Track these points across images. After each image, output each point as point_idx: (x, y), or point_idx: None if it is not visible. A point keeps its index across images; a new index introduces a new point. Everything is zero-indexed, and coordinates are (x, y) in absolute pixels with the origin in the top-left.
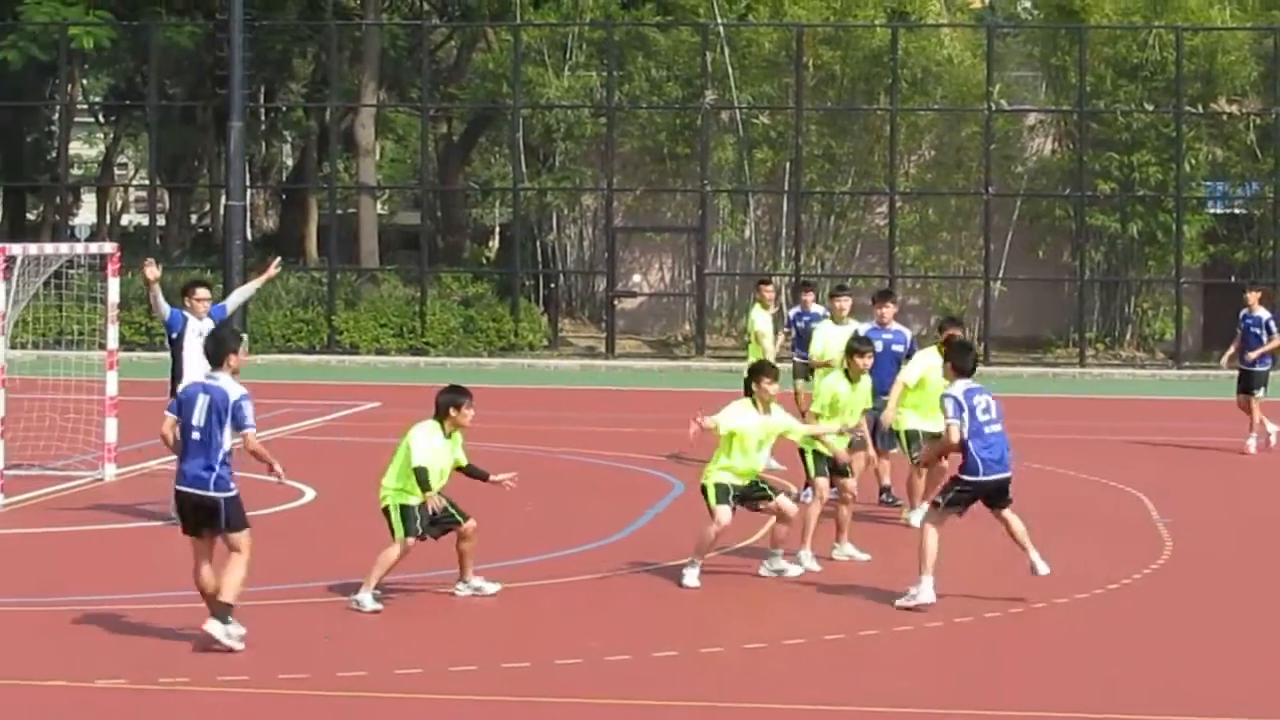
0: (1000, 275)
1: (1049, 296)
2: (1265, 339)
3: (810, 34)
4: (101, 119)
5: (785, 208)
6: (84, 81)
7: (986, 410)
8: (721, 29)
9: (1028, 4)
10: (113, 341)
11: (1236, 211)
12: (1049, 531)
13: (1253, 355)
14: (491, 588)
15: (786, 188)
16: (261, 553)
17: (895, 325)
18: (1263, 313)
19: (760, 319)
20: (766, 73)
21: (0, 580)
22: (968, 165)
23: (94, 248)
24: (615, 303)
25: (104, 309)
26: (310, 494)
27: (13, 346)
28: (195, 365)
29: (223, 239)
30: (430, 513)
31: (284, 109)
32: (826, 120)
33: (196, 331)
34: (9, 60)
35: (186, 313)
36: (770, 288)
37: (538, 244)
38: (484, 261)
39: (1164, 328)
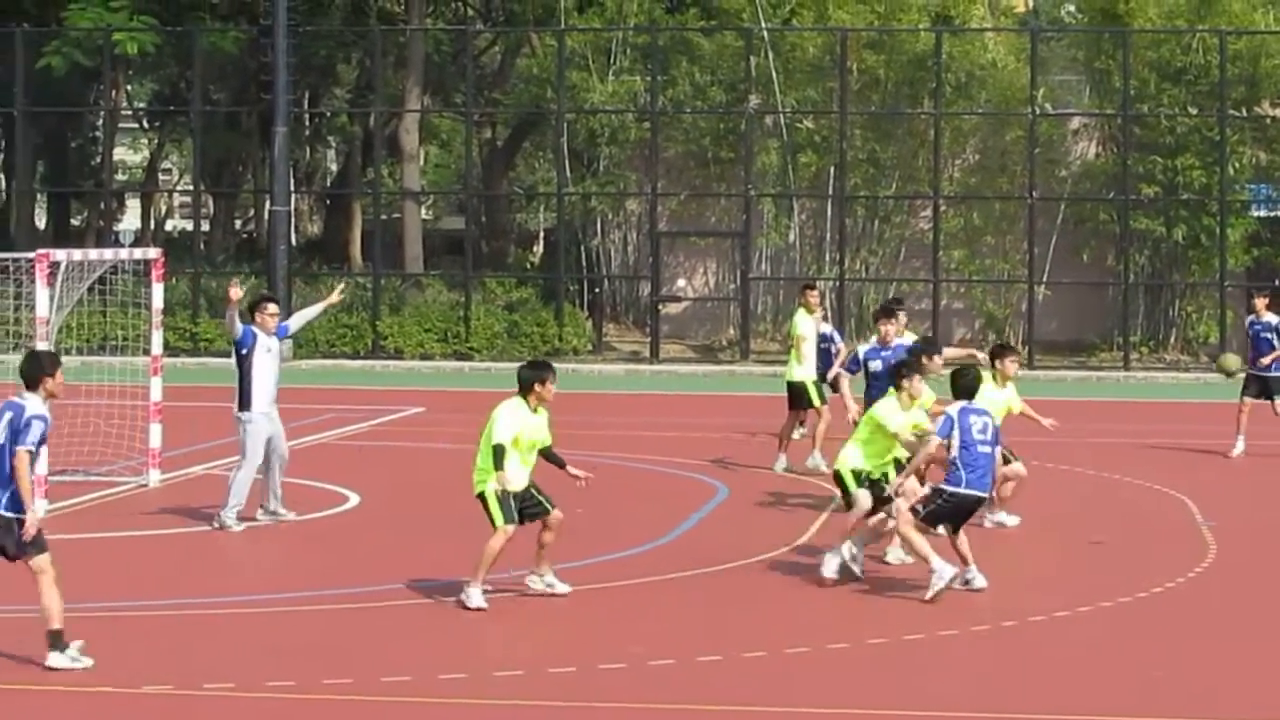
0: (1044, 279)
1: (1093, 300)
2: (1276, 343)
3: (854, 38)
4: (146, 124)
5: (829, 212)
6: (128, 87)
7: (983, 431)
8: (765, 33)
9: (1071, 8)
10: (157, 347)
11: None
12: (1094, 534)
13: (1265, 360)
14: (563, 587)
15: (830, 192)
16: (305, 558)
17: (898, 340)
18: (1271, 317)
19: (803, 324)
20: (810, 77)
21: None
22: (1012, 169)
23: (138, 253)
24: (659, 307)
25: (148, 314)
26: (354, 499)
27: (56, 352)
28: (265, 380)
29: (267, 244)
30: (511, 493)
31: (328, 114)
32: (870, 124)
33: (265, 348)
34: (53, 66)
35: (256, 329)
36: (815, 292)
37: (582, 249)
38: (528, 266)
39: (1208, 331)
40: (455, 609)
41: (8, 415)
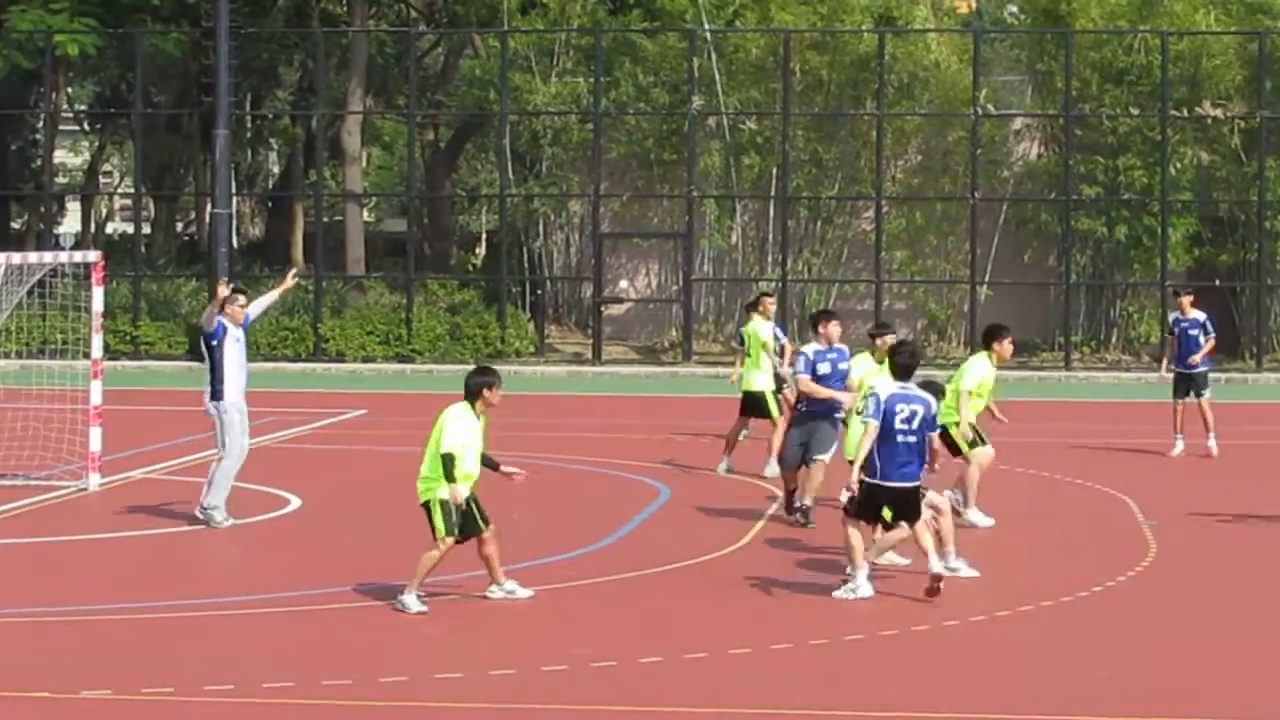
0: (986, 279)
1: (1035, 300)
2: (1203, 340)
3: (797, 39)
4: (87, 127)
5: (772, 213)
6: (69, 89)
7: (908, 420)
8: (708, 34)
9: (1014, 9)
10: (97, 350)
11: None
12: (1036, 534)
13: (1197, 357)
14: (525, 592)
15: (773, 193)
16: (246, 562)
17: (840, 344)
18: (1198, 314)
19: (765, 329)
20: (753, 78)
21: None
22: (954, 170)
23: (78, 256)
24: (602, 309)
25: (88, 318)
26: (296, 502)
27: None
28: (236, 370)
29: (208, 247)
30: (455, 506)
31: (270, 116)
32: (813, 125)
33: (234, 338)
34: None
35: (225, 320)
36: (772, 300)
37: (524, 250)
38: (471, 268)
39: (1149, 331)
40: (395, 612)
41: None
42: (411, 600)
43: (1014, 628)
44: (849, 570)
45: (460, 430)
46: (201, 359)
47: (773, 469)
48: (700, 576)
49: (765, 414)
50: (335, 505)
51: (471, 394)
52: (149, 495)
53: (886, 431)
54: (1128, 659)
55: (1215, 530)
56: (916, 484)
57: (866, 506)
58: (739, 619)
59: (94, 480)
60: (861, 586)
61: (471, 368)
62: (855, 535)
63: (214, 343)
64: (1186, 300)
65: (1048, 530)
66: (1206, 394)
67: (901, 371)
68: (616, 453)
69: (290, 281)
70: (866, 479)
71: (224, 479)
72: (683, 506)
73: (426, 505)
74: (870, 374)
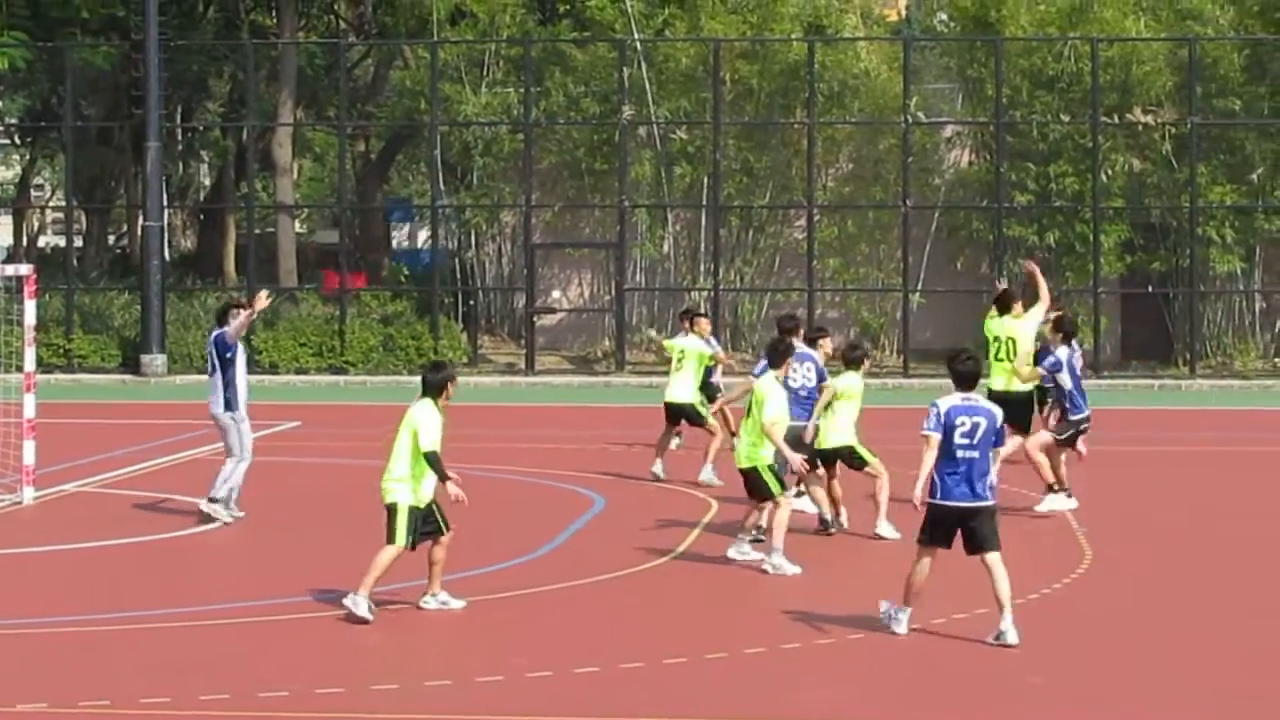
0: (919, 287)
1: (968, 308)
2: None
3: (727, 48)
4: (17, 140)
5: (704, 222)
6: None
7: (968, 434)
8: (639, 44)
9: (944, 16)
10: (30, 364)
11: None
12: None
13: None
14: (457, 603)
15: (705, 202)
16: (182, 574)
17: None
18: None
19: (701, 344)
20: (684, 87)
21: None
22: (886, 178)
23: (10, 270)
24: (535, 319)
25: (21, 331)
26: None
27: None
28: (242, 379)
29: (141, 260)
30: (453, 498)
31: (201, 129)
32: (744, 134)
33: (240, 350)
34: None
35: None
36: (707, 320)
37: (457, 261)
38: (403, 280)
39: (1082, 337)
40: (332, 622)
41: None
42: (363, 602)
43: (950, 636)
44: (888, 609)
45: (437, 426)
46: (208, 371)
47: (708, 474)
48: (636, 586)
49: (697, 422)
50: (270, 516)
51: (435, 389)
52: (83, 508)
53: (946, 446)
54: (1062, 665)
55: (1149, 534)
56: (988, 503)
57: (936, 530)
58: (675, 628)
59: (28, 494)
60: (900, 623)
61: (405, 379)
62: (922, 571)
63: (228, 355)
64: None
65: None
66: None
67: (962, 381)
68: (551, 463)
69: (263, 303)
70: (931, 500)
71: (236, 480)
72: (618, 516)
73: (394, 508)
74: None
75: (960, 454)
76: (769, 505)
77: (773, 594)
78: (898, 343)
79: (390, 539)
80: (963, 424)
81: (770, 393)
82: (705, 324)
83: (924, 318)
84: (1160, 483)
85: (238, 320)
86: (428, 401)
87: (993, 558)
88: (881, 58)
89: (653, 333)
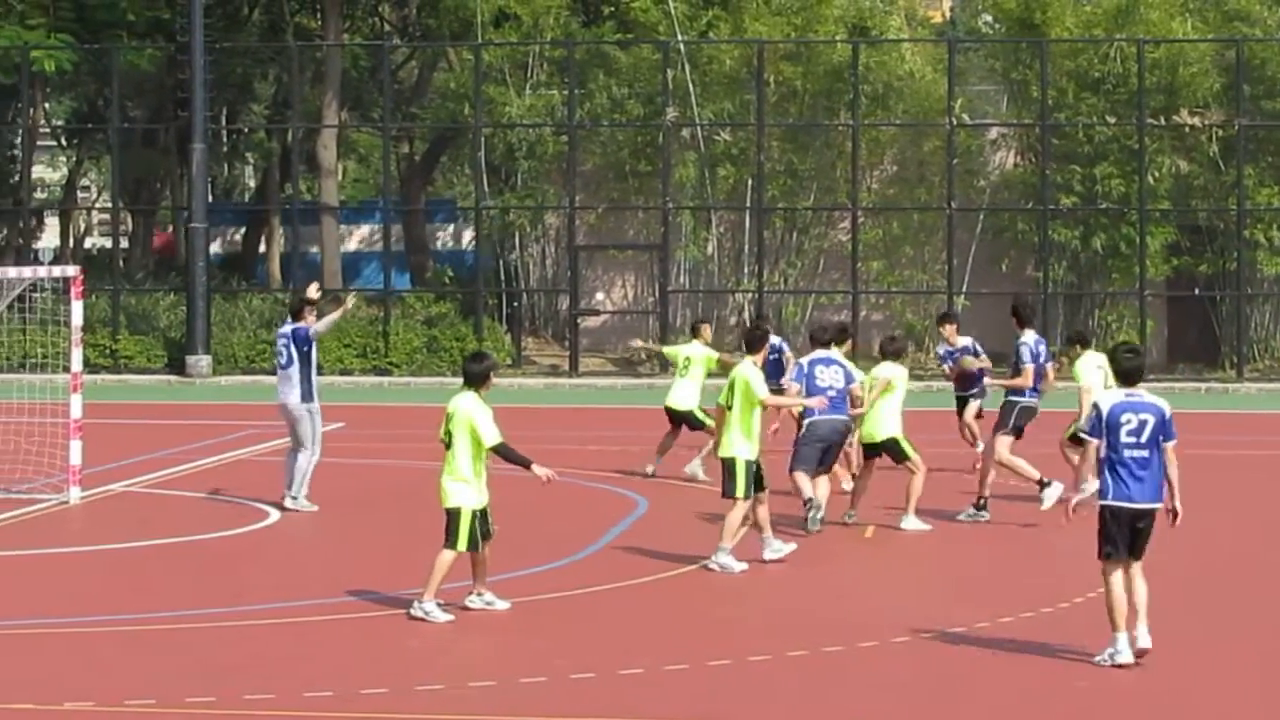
0: (964, 290)
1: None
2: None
3: (771, 50)
4: (64, 142)
5: (748, 224)
6: (46, 105)
7: (1134, 432)
8: (682, 46)
9: (988, 18)
10: (77, 364)
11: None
12: (1009, 546)
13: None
14: (502, 604)
15: (749, 204)
16: (227, 574)
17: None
18: (965, 340)
19: (709, 351)
20: (728, 89)
21: None
22: (930, 180)
23: (57, 271)
24: (578, 321)
25: (68, 332)
26: (274, 515)
27: None
28: (315, 372)
29: (185, 261)
30: (545, 480)
31: (246, 130)
32: (788, 136)
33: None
34: None
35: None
36: (708, 327)
37: (500, 263)
38: (447, 281)
39: (1128, 340)
40: (377, 623)
41: None
42: (433, 608)
43: (993, 639)
44: (1106, 655)
45: (490, 417)
46: (280, 365)
47: (694, 466)
48: (679, 588)
49: (697, 426)
50: (314, 517)
51: (479, 380)
52: (129, 508)
53: (1114, 446)
54: (1109, 670)
55: (1194, 540)
56: (1159, 505)
57: (1114, 537)
58: (718, 631)
59: (75, 493)
60: (1122, 652)
61: (449, 380)
62: (1117, 588)
63: (306, 349)
64: (951, 329)
65: (1026, 541)
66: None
67: (1125, 377)
68: (594, 464)
69: (351, 304)
70: (1103, 503)
71: (309, 471)
72: (661, 518)
73: (456, 513)
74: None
75: (1128, 453)
76: (731, 502)
77: (816, 597)
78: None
79: (450, 543)
80: (1128, 421)
81: (752, 374)
82: (707, 330)
83: (969, 320)
84: (1206, 486)
85: (332, 316)
86: (472, 395)
87: (1138, 566)
88: (926, 59)
89: (637, 341)
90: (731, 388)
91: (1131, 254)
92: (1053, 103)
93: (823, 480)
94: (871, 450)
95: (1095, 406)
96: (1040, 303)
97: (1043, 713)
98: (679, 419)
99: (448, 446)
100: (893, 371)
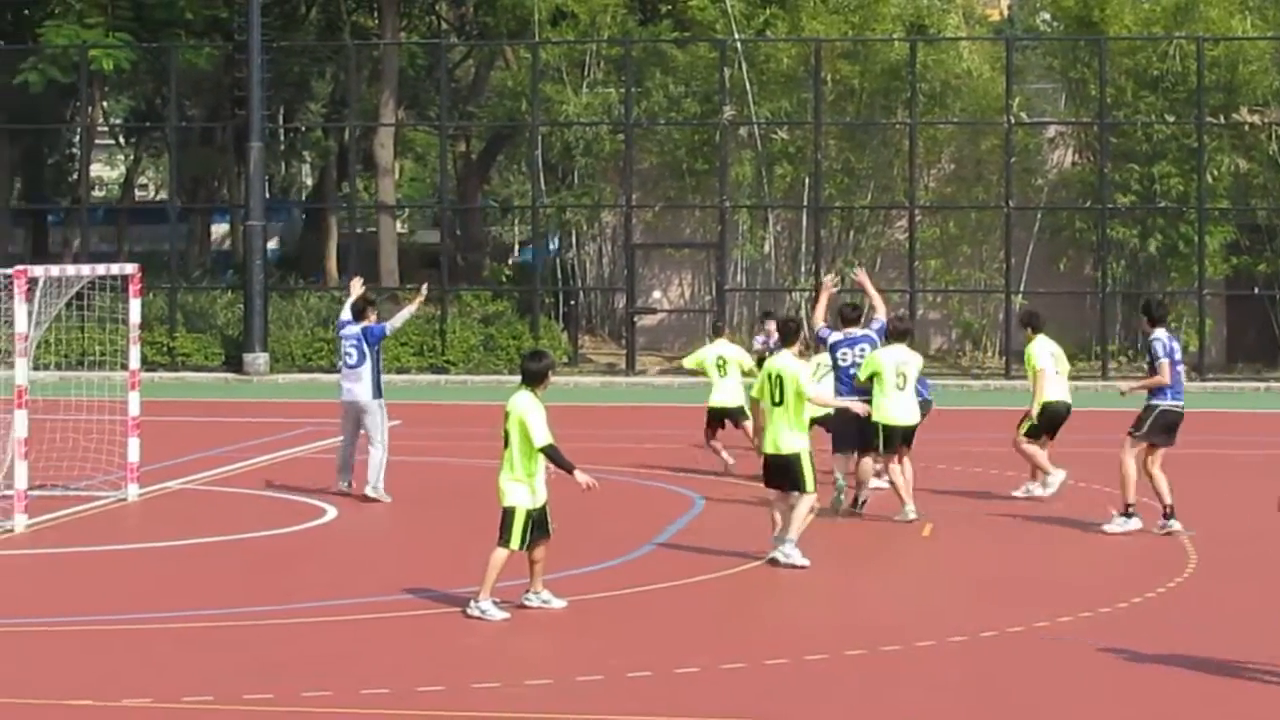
0: (1021, 288)
1: (1071, 309)
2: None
3: (828, 48)
4: (122, 140)
5: (805, 223)
6: (104, 103)
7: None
8: (739, 44)
9: (1046, 16)
10: (134, 362)
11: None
12: (1073, 546)
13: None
14: (559, 603)
15: (806, 203)
16: (284, 572)
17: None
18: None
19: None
20: (785, 88)
21: (25, 600)
22: (988, 178)
23: (115, 269)
24: (635, 319)
25: (126, 329)
26: (332, 512)
27: (35, 368)
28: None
29: (243, 259)
30: (586, 487)
31: (303, 129)
32: (845, 135)
33: None
34: (30, 83)
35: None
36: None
37: (557, 261)
38: (504, 279)
39: (1187, 340)
40: (433, 620)
41: None
42: (489, 606)
43: (1052, 639)
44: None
45: (542, 417)
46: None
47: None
48: (735, 586)
49: (740, 422)
50: (371, 515)
51: (537, 378)
52: (187, 506)
53: (1173, 369)
54: (1169, 671)
55: (1255, 538)
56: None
57: (1163, 428)
58: (775, 629)
59: (133, 490)
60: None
61: (505, 378)
62: (1136, 463)
63: (376, 347)
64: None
65: (1084, 542)
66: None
67: (1163, 321)
68: (651, 463)
69: (424, 294)
70: (1162, 405)
71: (383, 462)
72: (717, 516)
73: (509, 511)
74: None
75: (1179, 371)
76: (795, 495)
77: (874, 596)
78: (999, 344)
79: (503, 541)
80: (1177, 350)
81: (801, 370)
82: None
83: None
84: (1267, 487)
85: (409, 308)
86: (527, 394)
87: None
88: (983, 57)
89: (650, 362)
90: (778, 384)
91: (1190, 253)
92: (1111, 101)
93: (867, 461)
94: (906, 438)
95: (1159, 340)
96: (1098, 302)
97: (1103, 713)
98: (722, 416)
99: (506, 445)
100: (902, 355)
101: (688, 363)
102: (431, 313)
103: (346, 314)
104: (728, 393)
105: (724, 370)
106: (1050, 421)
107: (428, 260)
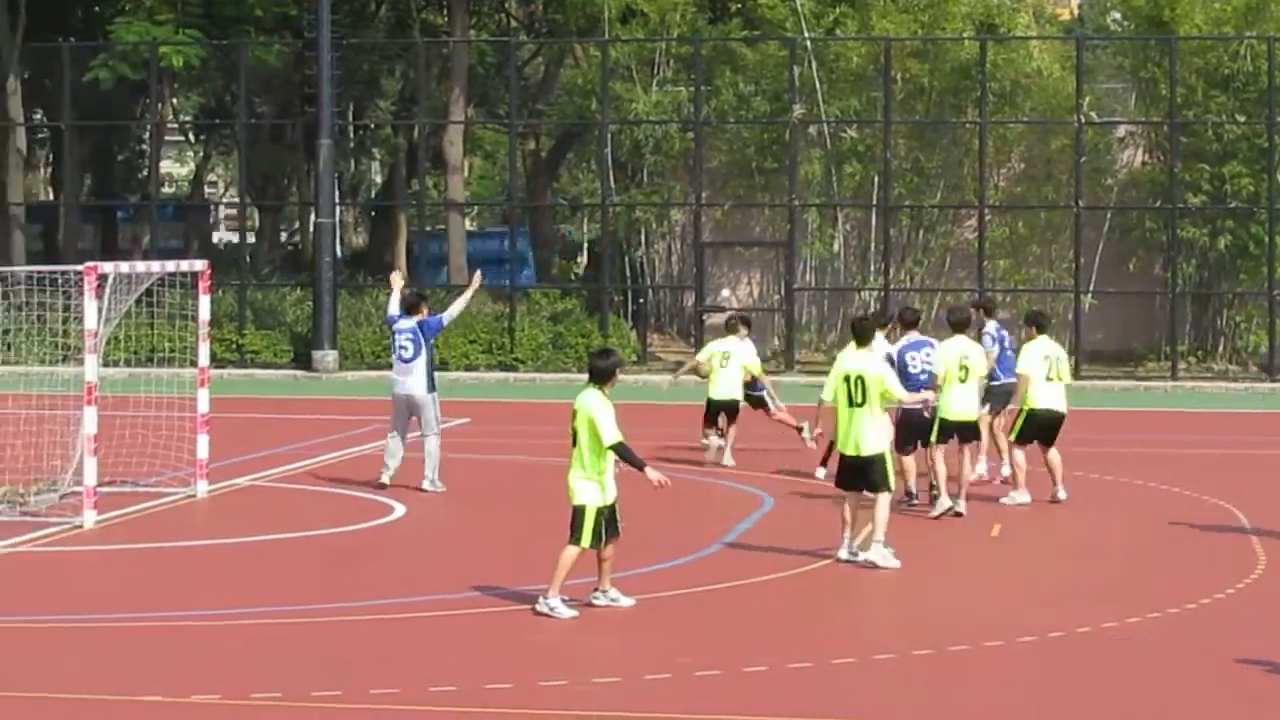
0: (1091, 288)
1: (1140, 309)
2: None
3: (898, 47)
4: (192, 137)
5: (874, 222)
6: (174, 100)
7: None
8: (809, 43)
9: (1117, 15)
10: (204, 359)
11: None
12: (1141, 546)
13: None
14: (627, 601)
15: (875, 202)
16: (352, 569)
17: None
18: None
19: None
20: (854, 86)
21: (93, 596)
22: (1057, 178)
23: (185, 265)
24: (704, 317)
25: (195, 326)
26: (400, 510)
27: (105, 364)
28: None
29: (312, 256)
30: (658, 484)
31: (372, 126)
32: (915, 133)
33: None
34: (100, 79)
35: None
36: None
37: (626, 259)
38: (573, 277)
39: (1257, 340)
40: (501, 618)
41: None
42: (558, 604)
43: (1119, 641)
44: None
45: (611, 415)
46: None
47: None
48: (804, 585)
49: (734, 416)
50: (438, 512)
51: (604, 376)
52: (255, 502)
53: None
54: (1235, 672)
55: None
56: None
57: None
58: (842, 628)
59: (202, 487)
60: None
61: (574, 376)
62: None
63: (431, 339)
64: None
65: (1153, 542)
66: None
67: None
68: (719, 461)
69: (478, 282)
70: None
71: (438, 452)
72: (785, 515)
73: (579, 509)
74: None
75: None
76: (877, 495)
77: (941, 595)
78: (1069, 344)
79: (574, 539)
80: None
81: (884, 370)
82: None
83: (1096, 319)
84: None
85: (464, 296)
86: (596, 392)
87: None
88: (1054, 57)
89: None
90: (859, 385)
91: (1260, 254)
92: (1181, 100)
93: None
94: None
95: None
96: (1168, 302)
97: (1171, 715)
98: (722, 410)
99: (575, 443)
100: (964, 347)
101: (700, 355)
102: (500, 310)
103: (395, 309)
104: (725, 387)
105: (725, 363)
106: (1036, 429)
107: (496, 258)
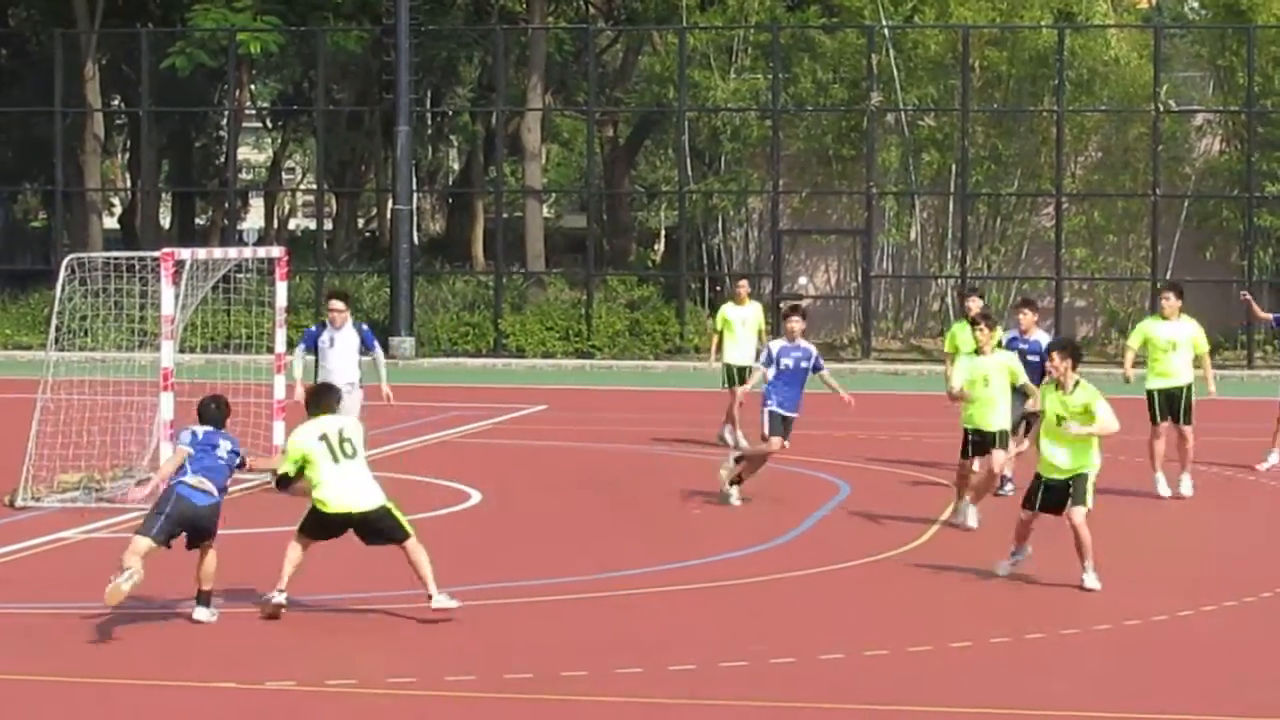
0: (1168, 276)
1: (1217, 298)
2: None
3: (976, 35)
4: (269, 124)
5: (951, 209)
6: (252, 87)
7: None
8: (887, 31)
9: (1195, 4)
10: (280, 345)
11: None
12: (1218, 533)
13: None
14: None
15: (952, 189)
16: (441, 553)
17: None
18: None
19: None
20: (932, 74)
21: (167, 584)
22: (1135, 166)
23: (262, 252)
24: (781, 305)
25: (272, 313)
26: (476, 497)
27: (181, 350)
28: None
29: (389, 243)
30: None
31: (450, 113)
32: (992, 121)
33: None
34: (177, 66)
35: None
36: (745, 284)
37: (703, 247)
38: (650, 264)
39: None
40: (572, 606)
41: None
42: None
43: (1197, 628)
44: None
45: None
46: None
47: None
48: (880, 573)
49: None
50: (516, 500)
51: None
52: None
53: None
54: None
55: None
56: None
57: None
58: (919, 616)
59: None
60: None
61: (651, 364)
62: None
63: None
64: (1029, 318)
65: (1230, 529)
66: None
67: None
68: (796, 449)
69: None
70: None
71: None
72: (862, 503)
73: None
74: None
75: None
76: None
77: (1019, 583)
78: None
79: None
80: None
81: (1014, 360)
82: (741, 288)
83: None
84: None
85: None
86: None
87: None
88: (1131, 45)
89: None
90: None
91: None
92: (1259, 89)
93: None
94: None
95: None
96: (1245, 291)
97: (1248, 706)
98: (737, 373)
99: None
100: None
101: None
102: (577, 297)
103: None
104: (739, 351)
105: (733, 331)
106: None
107: (574, 245)
